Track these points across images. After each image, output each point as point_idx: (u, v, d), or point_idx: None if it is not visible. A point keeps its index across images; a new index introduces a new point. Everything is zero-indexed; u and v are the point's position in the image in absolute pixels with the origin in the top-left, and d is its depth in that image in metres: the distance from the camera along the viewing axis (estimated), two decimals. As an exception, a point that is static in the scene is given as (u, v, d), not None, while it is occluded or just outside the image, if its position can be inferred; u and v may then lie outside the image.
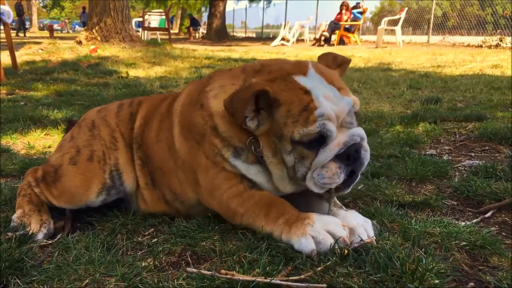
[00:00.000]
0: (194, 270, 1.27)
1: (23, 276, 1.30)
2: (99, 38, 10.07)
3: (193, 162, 1.57)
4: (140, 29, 15.42)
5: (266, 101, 1.39)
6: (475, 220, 1.69)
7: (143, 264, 1.37)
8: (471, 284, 1.24)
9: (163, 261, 1.41)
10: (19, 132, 3.23)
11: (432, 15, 16.91)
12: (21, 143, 3.03)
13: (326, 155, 1.37)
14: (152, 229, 1.65)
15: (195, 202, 1.64)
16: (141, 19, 16.99)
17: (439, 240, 1.44)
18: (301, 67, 1.46)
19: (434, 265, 1.24)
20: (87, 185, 1.70)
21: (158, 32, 17.05)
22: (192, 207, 1.67)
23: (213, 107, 1.51)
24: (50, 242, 1.56)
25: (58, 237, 1.60)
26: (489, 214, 1.74)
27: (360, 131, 1.42)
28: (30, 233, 1.55)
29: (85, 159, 1.72)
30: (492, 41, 13.38)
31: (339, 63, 1.59)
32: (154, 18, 17.09)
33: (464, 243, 1.42)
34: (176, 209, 1.70)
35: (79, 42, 10.11)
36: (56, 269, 1.32)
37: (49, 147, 2.93)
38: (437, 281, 1.18)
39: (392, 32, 15.53)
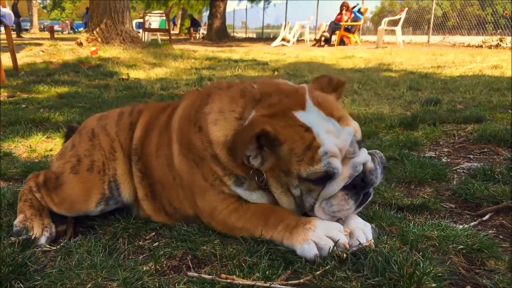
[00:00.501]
0: (195, 274, 1.29)
1: (26, 280, 1.32)
2: (99, 39, 10.08)
3: (191, 182, 1.58)
4: (140, 30, 15.43)
5: (267, 139, 1.40)
6: (473, 223, 1.70)
7: (144, 268, 1.39)
8: (468, 287, 1.25)
9: (164, 265, 1.43)
10: (20, 135, 3.25)
11: (432, 15, 16.92)
12: (22, 146, 3.05)
13: (332, 189, 1.40)
14: (153, 233, 1.67)
15: (195, 216, 1.66)
16: (141, 20, 17.00)
17: (437, 244, 1.46)
18: (299, 99, 1.45)
19: (431, 268, 1.26)
20: (87, 194, 1.73)
21: (158, 33, 17.07)
22: (192, 220, 1.68)
23: (213, 135, 1.50)
24: (54, 248, 1.57)
25: (61, 242, 1.62)
26: (487, 217, 1.75)
27: (362, 157, 1.42)
28: (32, 238, 1.57)
29: (86, 169, 1.74)
30: (492, 41, 13.39)
31: (334, 86, 1.58)
32: (155, 19, 17.11)
33: (462, 246, 1.44)
34: (176, 220, 1.71)
35: (80, 44, 10.13)
36: (58, 274, 1.34)
37: (51, 150, 2.95)
38: (434, 285, 1.20)
39: (393, 32, 15.55)
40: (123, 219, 1.75)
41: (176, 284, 1.27)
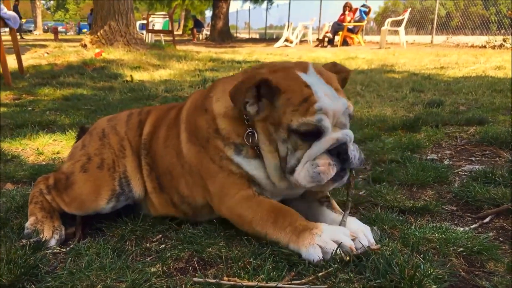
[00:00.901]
0: (201, 280, 1.32)
1: (38, 282, 1.36)
2: (103, 41, 10.15)
3: (200, 167, 1.63)
4: (144, 32, 15.50)
5: (267, 89, 1.46)
6: (473, 226, 1.73)
7: (152, 270, 1.42)
8: (468, 289, 1.29)
9: (171, 267, 1.47)
10: (27, 138, 3.29)
11: (436, 15, 16.91)
12: (30, 149, 3.09)
13: (319, 148, 1.43)
14: (160, 235, 1.71)
15: (202, 204, 1.71)
16: (145, 22, 17.08)
17: (438, 246, 1.49)
18: (302, 65, 1.55)
19: (432, 271, 1.29)
20: (98, 192, 1.77)
21: (161, 34, 17.12)
22: (199, 209, 1.73)
23: (215, 110, 1.60)
24: (64, 250, 1.62)
25: (70, 244, 1.67)
26: (487, 219, 1.78)
27: (351, 133, 1.48)
28: (43, 240, 1.61)
29: (96, 167, 1.79)
30: (496, 41, 13.38)
31: (337, 70, 1.65)
32: (158, 21, 17.17)
33: (462, 249, 1.47)
34: (183, 211, 1.76)
35: (84, 46, 10.19)
36: (69, 275, 1.38)
37: (58, 153, 2.99)
38: (434, 287, 1.23)
39: (396, 32, 15.55)
40: (130, 221, 1.79)
41: (183, 285, 1.31)
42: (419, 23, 20.47)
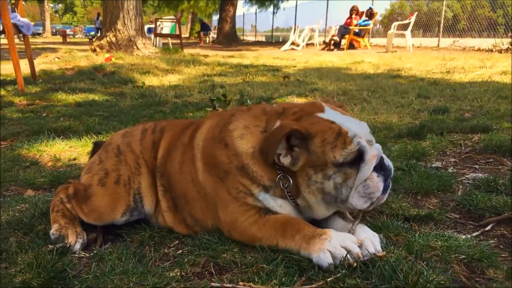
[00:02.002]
0: (218, 284, 1.41)
1: (66, 285, 1.46)
2: (113, 46, 10.32)
3: (215, 196, 1.71)
4: (152, 36, 15.67)
5: (298, 138, 1.55)
6: (475, 233, 1.81)
7: (171, 275, 1.52)
8: (468, 294, 1.37)
9: (188, 271, 1.56)
10: (44, 144, 3.40)
11: (442, 18, 16.93)
12: (47, 155, 3.21)
13: (368, 168, 1.54)
14: (177, 241, 1.81)
15: (213, 228, 1.79)
16: (152, 25, 17.26)
17: (440, 253, 1.57)
18: (318, 106, 1.65)
19: (434, 277, 1.38)
20: (114, 206, 1.87)
21: (169, 38, 17.29)
22: (211, 230, 1.81)
23: (240, 148, 1.65)
24: (87, 255, 1.72)
25: (93, 249, 1.77)
26: (488, 227, 1.86)
27: (379, 146, 1.62)
28: (68, 245, 1.71)
29: (113, 182, 1.89)
30: (503, 44, 13.38)
31: (338, 104, 1.81)
32: (166, 25, 17.36)
33: (463, 256, 1.55)
34: (195, 231, 1.84)
35: (94, 50, 10.37)
36: (94, 279, 1.48)
37: (74, 159, 3.11)
38: (436, 292, 1.32)
39: (402, 35, 15.60)
40: (148, 228, 1.89)
41: (201, 289, 1.40)
42: (425, 26, 20.48)
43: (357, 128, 1.57)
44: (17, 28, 6.45)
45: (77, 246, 1.75)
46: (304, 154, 1.57)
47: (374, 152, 1.56)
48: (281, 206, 1.66)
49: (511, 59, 9.49)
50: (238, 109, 1.83)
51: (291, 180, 1.61)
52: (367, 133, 1.60)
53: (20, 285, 1.44)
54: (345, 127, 1.55)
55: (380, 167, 1.57)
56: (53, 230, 1.80)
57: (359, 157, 1.54)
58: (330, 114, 1.62)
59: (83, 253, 1.74)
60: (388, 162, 1.61)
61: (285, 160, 1.58)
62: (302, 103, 1.75)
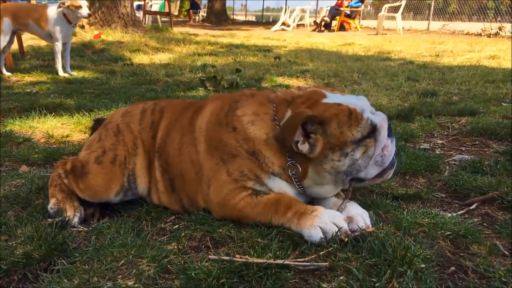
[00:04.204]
0: (216, 257, 1.47)
1: (67, 257, 1.50)
2: (101, 22, 10.15)
3: (212, 177, 1.75)
4: (141, 13, 15.42)
5: (314, 124, 1.61)
6: (460, 212, 1.89)
7: (169, 248, 1.57)
8: (452, 268, 1.45)
9: (185, 245, 1.61)
10: (36, 121, 3.40)
11: (433, 1, 16.94)
12: (39, 132, 3.21)
13: (383, 134, 1.64)
14: (173, 217, 1.85)
15: (206, 208, 1.83)
16: (141, 3, 16.96)
17: (427, 230, 1.64)
18: (319, 93, 1.73)
19: (421, 251, 1.45)
20: (108, 185, 1.90)
21: (159, 16, 17.03)
22: (206, 211, 1.86)
23: (252, 133, 1.69)
24: (86, 228, 1.76)
25: (92, 223, 1.81)
26: (473, 206, 1.94)
27: (381, 112, 1.71)
28: (67, 219, 1.75)
29: (109, 161, 1.91)
30: (492, 29, 13.48)
31: (330, 89, 1.87)
32: (156, 2, 17.08)
33: (449, 232, 1.63)
34: (190, 211, 1.88)
35: (82, 27, 10.17)
36: (94, 251, 1.52)
37: (67, 136, 3.11)
38: (423, 265, 1.39)
39: (393, 18, 15.60)
40: (145, 204, 1.93)
41: (199, 261, 1.45)
42: (416, 8, 20.49)
43: (361, 103, 1.66)
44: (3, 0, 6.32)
45: (75, 220, 1.79)
46: (321, 139, 1.62)
47: (381, 118, 1.66)
48: (285, 189, 1.71)
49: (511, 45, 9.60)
50: (241, 94, 1.85)
51: (299, 168, 1.66)
52: (368, 104, 1.69)
53: (21, 256, 1.47)
54: (352, 105, 1.63)
55: (389, 132, 1.68)
56: (51, 205, 1.83)
57: (372, 130, 1.62)
58: (333, 97, 1.69)
59: (81, 227, 1.78)
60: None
61: (304, 147, 1.62)
62: (304, 92, 1.79)
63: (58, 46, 5.61)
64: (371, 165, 1.65)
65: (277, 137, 1.65)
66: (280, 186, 1.71)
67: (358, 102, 1.66)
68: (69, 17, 5.46)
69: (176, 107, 2.03)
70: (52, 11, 5.45)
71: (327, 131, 1.61)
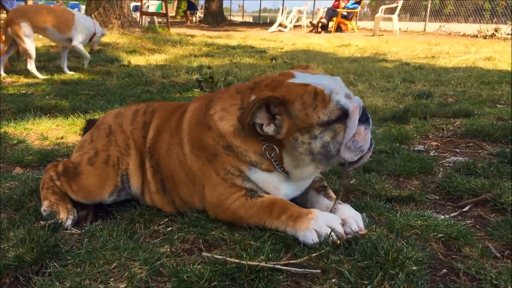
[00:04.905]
0: (208, 254, 1.47)
1: (59, 260, 1.50)
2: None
3: (203, 178, 1.75)
4: (137, 14, 15.40)
5: (277, 105, 1.58)
6: (453, 214, 1.90)
7: (161, 250, 1.57)
8: (444, 270, 1.45)
9: (178, 247, 1.61)
10: (31, 123, 3.39)
11: (430, 2, 17.00)
12: (34, 133, 3.20)
13: (353, 121, 1.57)
14: (167, 219, 1.85)
15: (202, 209, 1.83)
16: (138, 3, 16.93)
17: (419, 232, 1.65)
18: (288, 74, 1.69)
19: (413, 254, 1.45)
20: (102, 185, 1.90)
21: (155, 17, 17.01)
22: (199, 211, 1.86)
23: (222, 128, 1.69)
24: (79, 231, 1.75)
25: (85, 226, 1.81)
26: (466, 208, 1.95)
27: (358, 98, 1.64)
28: (60, 221, 1.74)
29: (102, 162, 1.91)
30: (488, 31, 13.53)
31: (304, 67, 1.85)
32: (152, 3, 17.06)
33: (441, 235, 1.63)
34: (183, 212, 1.88)
35: (79, 28, 10.15)
36: (86, 254, 1.52)
37: (62, 138, 3.11)
38: (415, 268, 1.39)
39: (389, 19, 15.63)
40: (138, 206, 1.93)
41: (191, 264, 1.45)
42: (413, 10, 20.52)
43: (331, 84, 1.59)
44: (0, 3, 6.30)
45: (68, 222, 1.79)
46: (286, 120, 1.59)
47: (355, 104, 1.59)
48: (270, 179, 1.70)
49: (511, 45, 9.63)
50: (215, 92, 1.87)
51: (276, 149, 1.64)
52: (343, 87, 1.62)
53: (13, 259, 1.47)
54: (320, 85, 1.57)
55: (365, 118, 1.61)
56: (44, 207, 1.83)
57: (342, 115, 1.56)
58: (301, 77, 1.65)
59: (74, 229, 1.77)
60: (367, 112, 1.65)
61: (269, 129, 1.61)
62: (273, 75, 1.77)
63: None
64: (344, 150, 1.59)
65: (238, 120, 1.64)
66: (263, 178, 1.69)
67: (329, 83, 1.59)
68: None
69: (167, 108, 2.04)
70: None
71: (291, 112, 1.58)
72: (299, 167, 1.68)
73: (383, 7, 15.88)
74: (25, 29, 5.39)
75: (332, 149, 1.59)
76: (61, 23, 5.67)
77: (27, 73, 5.72)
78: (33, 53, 5.54)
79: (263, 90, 1.65)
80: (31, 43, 5.48)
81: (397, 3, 15.39)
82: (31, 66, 5.55)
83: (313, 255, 1.47)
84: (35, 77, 5.55)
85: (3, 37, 5.50)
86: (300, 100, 1.56)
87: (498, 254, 1.54)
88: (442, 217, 1.83)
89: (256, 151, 1.67)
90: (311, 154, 1.62)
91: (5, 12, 6.58)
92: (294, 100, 1.57)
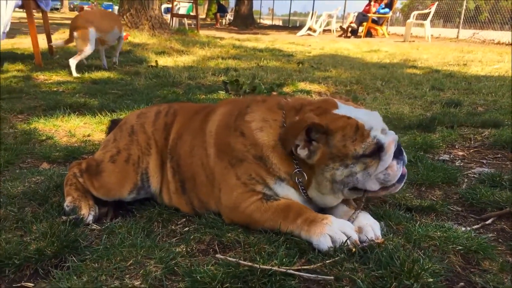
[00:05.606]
0: (222, 257, 1.48)
1: (78, 254, 1.54)
2: (129, 24, 10.35)
3: (222, 180, 1.77)
4: (168, 15, 15.65)
5: (318, 132, 1.61)
6: (475, 226, 1.85)
7: (177, 250, 1.59)
8: (461, 284, 1.42)
9: (194, 248, 1.63)
10: (60, 120, 3.49)
11: (464, 9, 16.62)
12: (62, 130, 3.30)
13: (388, 156, 1.62)
14: (184, 219, 1.88)
15: (218, 212, 1.85)
16: (169, 5, 17.22)
17: (438, 244, 1.61)
18: (331, 102, 1.73)
19: (430, 265, 1.42)
20: (122, 183, 1.95)
21: (185, 19, 17.26)
22: (217, 214, 1.88)
23: (261, 139, 1.70)
24: (99, 227, 1.80)
25: (104, 222, 1.85)
26: (489, 221, 1.89)
27: (393, 132, 1.69)
28: (81, 217, 1.79)
29: (123, 160, 1.96)
30: (524, 39, 13.11)
31: (345, 100, 1.86)
32: (183, 5, 17.31)
33: (460, 247, 1.59)
34: (201, 213, 1.90)
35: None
36: (104, 250, 1.56)
37: (88, 135, 3.19)
38: (430, 280, 1.36)
39: (421, 25, 15.36)
40: (157, 205, 1.96)
41: (205, 265, 1.47)
42: (446, 16, 20.10)
43: (371, 120, 1.64)
44: (36, 3, 6.52)
45: (90, 218, 1.84)
46: (322, 148, 1.62)
47: (390, 139, 1.63)
48: (292, 195, 1.72)
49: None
50: (252, 99, 1.87)
51: (305, 176, 1.67)
52: (380, 122, 1.67)
53: (34, 252, 1.52)
54: (361, 120, 1.62)
55: (398, 152, 1.65)
56: (67, 203, 1.88)
57: (377, 149, 1.60)
58: (344, 109, 1.68)
59: (94, 225, 1.82)
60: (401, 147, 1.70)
61: (302, 152, 1.63)
62: (315, 100, 1.81)
63: None
64: (372, 181, 1.64)
65: (280, 137, 1.66)
66: (287, 193, 1.71)
67: (368, 118, 1.65)
68: None
69: (189, 110, 2.07)
70: None
71: (330, 142, 1.61)
72: (321, 194, 1.70)
73: (415, 12, 15.61)
74: (91, 34, 5.81)
75: (359, 180, 1.63)
76: (120, 24, 6.46)
77: (59, 71, 5.88)
78: (87, 55, 5.91)
79: (307, 113, 1.68)
80: (91, 46, 5.83)
81: (430, 8, 15.11)
82: (75, 61, 5.79)
83: (327, 261, 1.46)
84: (70, 72, 5.72)
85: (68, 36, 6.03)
86: (341, 132, 1.60)
87: (519, 270, 1.50)
88: (463, 229, 1.78)
89: (287, 171, 1.70)
90: (333, 181, 1.64)
91: (40, 12, 6.78)
92: (337, 131, 1.61)
